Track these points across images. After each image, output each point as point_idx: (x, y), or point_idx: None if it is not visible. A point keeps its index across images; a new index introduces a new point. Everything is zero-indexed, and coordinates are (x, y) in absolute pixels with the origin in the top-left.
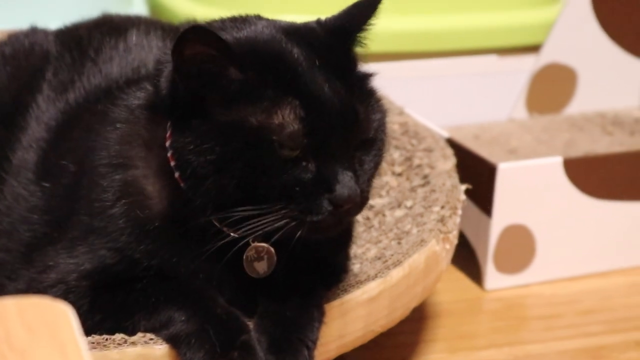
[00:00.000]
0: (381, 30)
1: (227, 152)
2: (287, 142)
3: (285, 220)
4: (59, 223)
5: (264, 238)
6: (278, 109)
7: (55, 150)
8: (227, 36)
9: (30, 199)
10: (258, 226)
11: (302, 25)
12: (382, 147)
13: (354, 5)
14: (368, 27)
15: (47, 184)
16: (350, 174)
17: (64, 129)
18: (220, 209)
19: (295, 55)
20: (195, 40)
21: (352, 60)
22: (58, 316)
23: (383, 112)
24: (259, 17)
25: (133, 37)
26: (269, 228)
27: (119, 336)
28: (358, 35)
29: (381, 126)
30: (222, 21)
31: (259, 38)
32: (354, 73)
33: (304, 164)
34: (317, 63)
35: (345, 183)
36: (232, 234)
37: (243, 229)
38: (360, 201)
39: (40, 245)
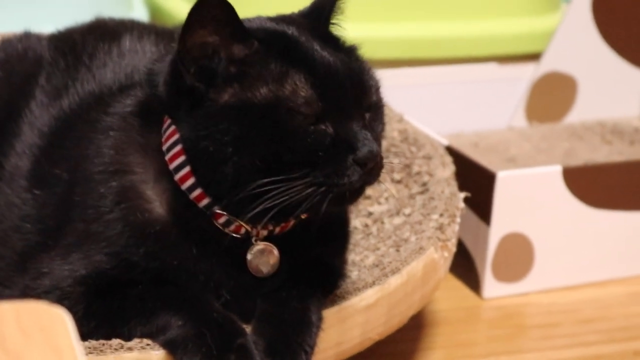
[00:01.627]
0: (381, 37)
1: (243, 129)
2: (303, 108)
3: (312, 189)
4: (53, 231)
5: (267, 237)
6: (288, 77)
7: (48, 157)
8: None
9: (23, 207)
10: (283, 198)
11: (282, 15)
12: (383, 112)
13: None
14: (338, 8)
15: (40, 192)
16: (369, 133)
17: (57, 136)
18: (239, 193)
19: (294, 31)
20: (203, 17)
21: (335, 37)
22: (54, 321)
23: (378, 80)
24: (251, 17)
25: (127, 42)
26: (296, 197)
27: (115, 341)
28: (331, 16)
29: (379, 91)
30: None
31: (256, 21)
32: (343, 45)
33: (322, 127)
34: (310, 37)
35: (366, 141)
36: (234, 234)
37: (266, 204)
38: (379, 161)
39: (33, 253)
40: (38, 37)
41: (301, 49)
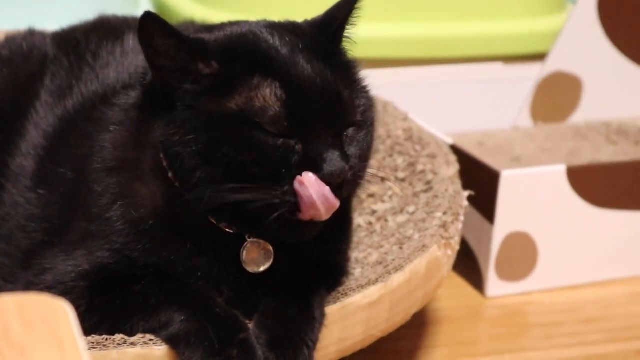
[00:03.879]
0: (389, 36)
1: (211, 139)
2: (270, 125)
3: (277, 200)
4: (57, 230)
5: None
6: (258, 92)
7: (53, 157)
8: (204, 36)
9: (28, 207)
10: (253, 206)
11: (289, 22)
12: (372, 128)
13: (336, 4)
14: (349, 22)
15: (44, 192)
16: (337, 152)
17: (61, 136)
18: (214, 202)
19: (273, 43)
20: (153, 29)
21: (337, 51)
22: (57, 313)
23: (369, 98)
24: (253, 21)
25: (130, 40)
26: (263, 206)
27: (118, 336)
28: (341, 29)
29: (368, 110)
30: (216, 25)
31: (234, 33)
32: (339, 61)
33: (290, 144)
34: (300, 47)
35: (332, 161)
36: (227, 230)
37: (239, 216)
38: (351, 179)
39: (38, 251)
40: (43, 35)
41: (278, 63)
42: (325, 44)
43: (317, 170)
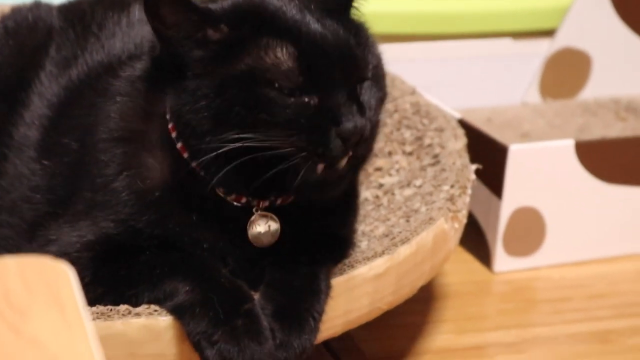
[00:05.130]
0: (398, 11)
1: (223, 103)
2: (284, 81)
3: (292, 151)
4: (62, 201)
5: (269, 207)
6: (268, 50)
7: (57, 127)
8: (211, 5)
9: (33, 177)
10: (262, 161)
11: None
12: (384, 85)
13: None
14: None
15: (49, 163)
16: (354, 106)
17: (66, 106)
18: (225, 167)
19: (280, 4)
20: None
21: (347, 13)
22: (58, 276)
23: (379, 56)
24: None
25: (136, 11)
26: (275, 161)
27: (123, 307)
28: None
29: (379, 67)
30: None
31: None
32: (349, 21)
33: (305, 99)
34: (310, 7)
35: (351, 115)
36: (235, 203)
37: (251, 179)
38: (369, 135)
39: (43, 222)
40: (48, 7)
41: (286, 21)
42: (335, 5)
43: (335, 124)
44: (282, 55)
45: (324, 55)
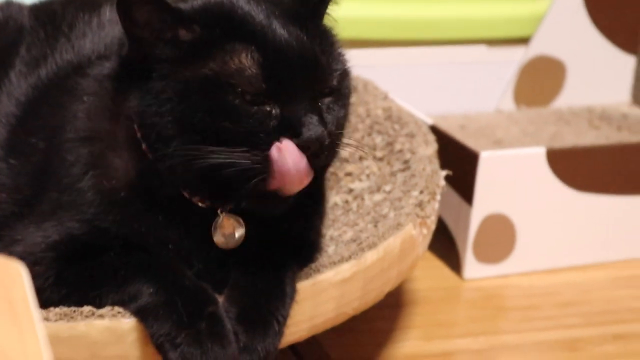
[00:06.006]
0: (372, 17)
1: (187, 107)
2: (247, 87)
3: (250, 163)
4: (28, 201)
5: (235, 209)
6: (233, 55)
7: (25, 127)
8: (182, 5)
9: None
10: (226, 172)
11: None
12: (348, 99)
13: None
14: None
15: (15, 162)
16: (315, 117)
17: (34, 105)
18: (188, 169)
19: (248, 9)
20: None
21: (315, 20)
22: (10, 275)
23: (345, 65)
24: None
25: (107, 12)
26: (236, 172)
27: (86, 308)
28: (322, 3)
29: (344, 78)
30: None
31: (210, 1)
32: (316, 28)
33: (267, 108)
34: (276, 14)
35: (311, 125)
36: (200, 204)
37: (211, 186)
38: (329, 145)
39: (8, 222)
40: (19, 6)
41: (253, 27)
42: (303, 13)
43: (295, 135)
44: (246, 61)
45: (288, 63)
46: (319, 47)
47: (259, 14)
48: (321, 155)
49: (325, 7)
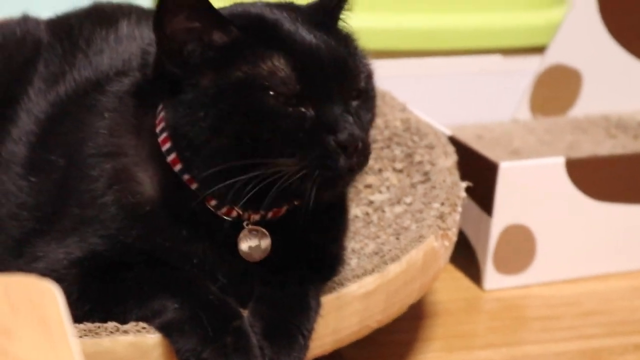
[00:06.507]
0: (388, 27)
1: (221, 112)
2: (280, 88)
3: (296, 170)
4: (49, 218)
5: (259, 221)
6: (267, 57)
7: (44, 144)
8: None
9: (20, 194)
10: (267, 181)
11: (286, 2)
12: (374, 102)
13: None
14: (345, 3)
15: (36, 179)
16: (350, 117)
17: (53, 123)
18: (223, 179)
19: (278, 15)
20: (177, 5)
21: (335, 26)
22: (44, 295)
23: (369, 69)
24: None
25: (124, 27)
26: (280, 181)
27: (111, 324)
28: (338, 8)
29: (370, 80)
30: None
31: (241, 7)
32: (339, 33)
33: (301, 109)
34: (300, 20)
35: (347, 124)
36: (225, 217)
37: (249, 191)
38: (363, 148)
39: (30, 239)
40: (36, 22)
41: (283, 32)
42: (323, 19)
43: (332, 133)
44: (279, 63)
45: (319, 65)
46: (345, 49)
47: (285, 20)
48: (360, 154)
49: (340, 12)
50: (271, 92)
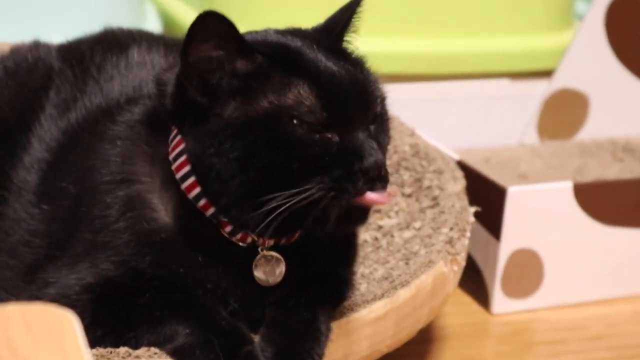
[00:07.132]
0: (396, 52)
1: (249, 144)
2: (307, 116)
3: (320, 193)
4: (61, 245)
5: (274, 247)
6: (292, 86)
7: (56, 171)
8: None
9: (31, 222)
10: (291, 206)
11: (294, 28)
12: (389, 125)
13: (338, 10)
14: (351, 27)
15: (47, 207)
16: (374, 143)
17: (64, 150)
18: (247, 207)
19: (298, 43)
20: (205, 32)
21: (343, 49)
22: (62, 324)
23: (384, 92)
24: (261, 30)
25: (135, 54)
26: (304, 203)
27: (123, 349)
28: (343, 31)
29: (384, 103)
30: None
31: (262, 34)
32: (351, 57)
33: (327, 136)
34: (314, 47)
35: (373, 150)
36: (240, 243)
37: (274, 215)
38: (384, 174)
39: (42, 265)
40: (48, 47)
41: (305, 60)
42: (335, 44)
43: (359, 160)
44: (304, 92)
45: (341, 91)
46: (361, 74)
47: (303, 47)
48: (382, 181)
49: (345, 35)
50: (298, 122)
